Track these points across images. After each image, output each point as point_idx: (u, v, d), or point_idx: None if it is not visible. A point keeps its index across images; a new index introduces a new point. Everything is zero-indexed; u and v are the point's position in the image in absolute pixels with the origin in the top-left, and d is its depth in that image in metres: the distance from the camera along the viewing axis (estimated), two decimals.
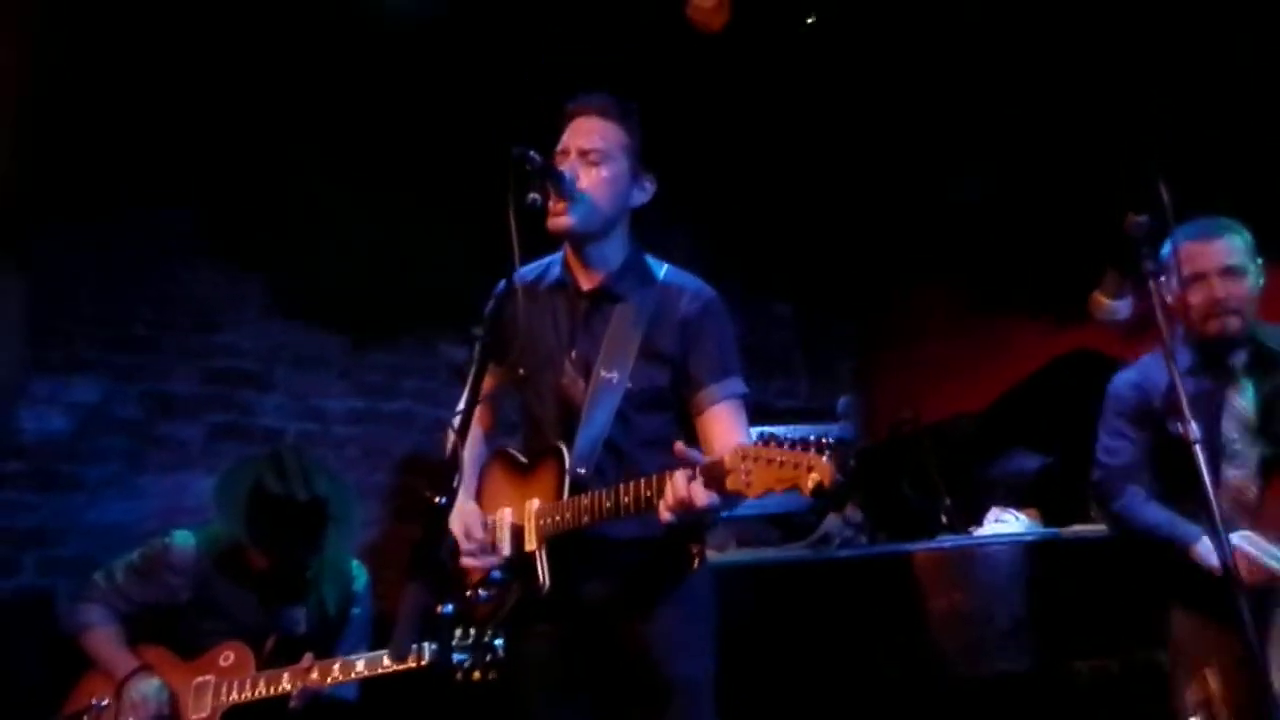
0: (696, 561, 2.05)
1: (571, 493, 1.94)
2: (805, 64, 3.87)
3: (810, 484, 1.56)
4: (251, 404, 3.95)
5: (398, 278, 4.11)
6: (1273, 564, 2.23)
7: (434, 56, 3.76)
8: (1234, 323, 2.38)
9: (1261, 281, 2.48)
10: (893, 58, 3.80)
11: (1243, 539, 2.27)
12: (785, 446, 1.60)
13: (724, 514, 1.85)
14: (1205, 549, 2.31)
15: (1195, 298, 2.37)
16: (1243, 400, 2.41)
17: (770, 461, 1.61)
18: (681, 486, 1.71)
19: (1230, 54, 3.38)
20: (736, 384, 2.05)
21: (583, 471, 1.96)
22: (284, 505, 2.68)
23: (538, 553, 1.95)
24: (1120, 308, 2.22)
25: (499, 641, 2.29)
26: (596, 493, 1.88)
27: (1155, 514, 2.46)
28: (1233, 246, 2.43)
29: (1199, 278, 2.38)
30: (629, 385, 2.02)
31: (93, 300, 3.70)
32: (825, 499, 1.60)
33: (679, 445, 1.77)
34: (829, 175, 4.57)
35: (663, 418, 2.05)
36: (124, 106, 3.63)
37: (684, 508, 1.71)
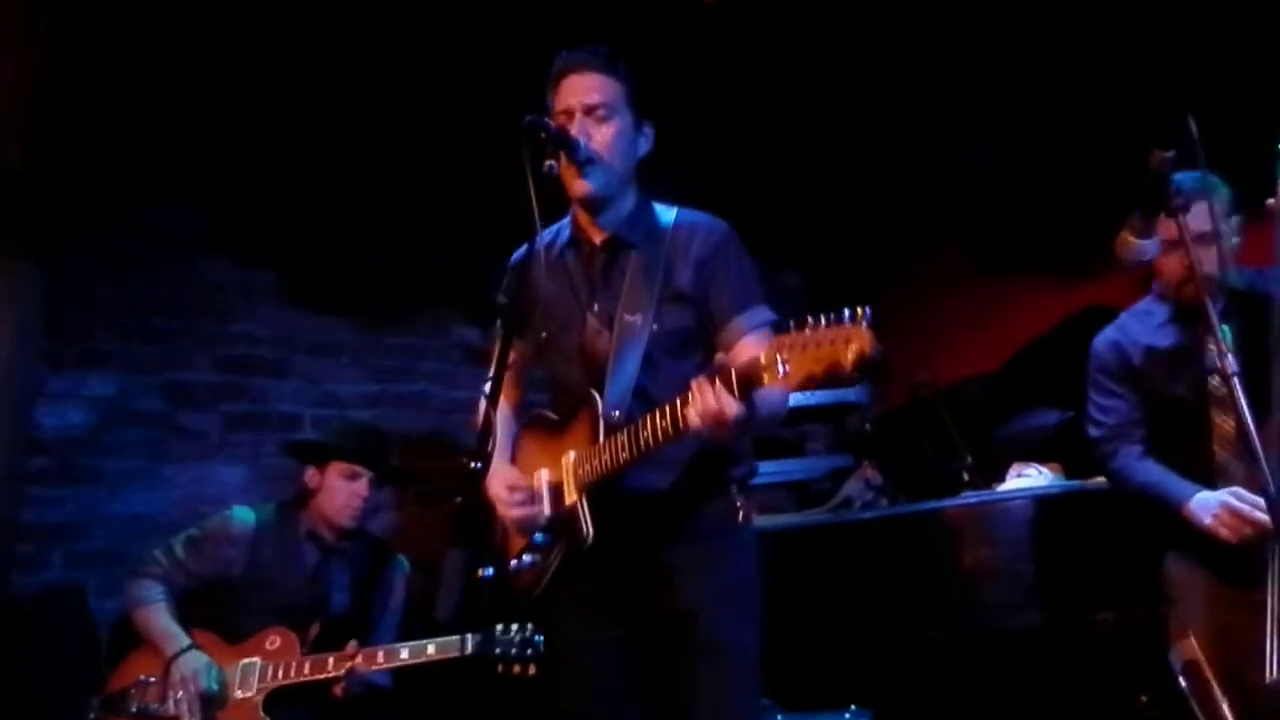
0: (741, 515, 2.01)
1: (607, 436, 1.88)
2: (809, 26, 3.84)
3: (851, 355, 1.48)
4: (267, 391, 3.97)
5: (409, 261, 4.12)
6: (1259, 515, 2.17)
7: (432, 36, 3.75)
8: (1209, 288, 2.31)
9: (1236, 240, 2.44)
10: (897, 17, 3.76)
11: (1229, 494, 2.26)
12: (818, 328, 1.52)
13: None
14: (1197, 506, 2.30)
15: (1171, 263, 2.36)
16: (1222, 346, 2.39)
17: (805, 346, 1.52)
18: (709, 391, 1.65)
19: None
20: (763, 312, 2.00)
21: (617, 414, 1.90)
22: (366, 427, 3.08)
23: (579, 503, 1.90)
24: (1148, 247, 2.20)
25: (539, 638, 2.29)
26: (631, 426, 1.83)
27: (1147, 473, 2.46)
28: (1208, 212, 2.32)
29: (1174, 245, 2.31)
30: (654, 327, 1.98)
31: (108, 294, 3.72)
32: (868, 369, 1.46)
33: (718, 355, 1.70)
34: (833, 141, 4.54)
35: (691, 361, 2.00)
36: (137, 106, 3.65)
37: (713, 416, 1.64)
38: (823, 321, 1.52)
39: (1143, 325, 2.53)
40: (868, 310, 1.50)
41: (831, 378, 1.51)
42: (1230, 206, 2.45)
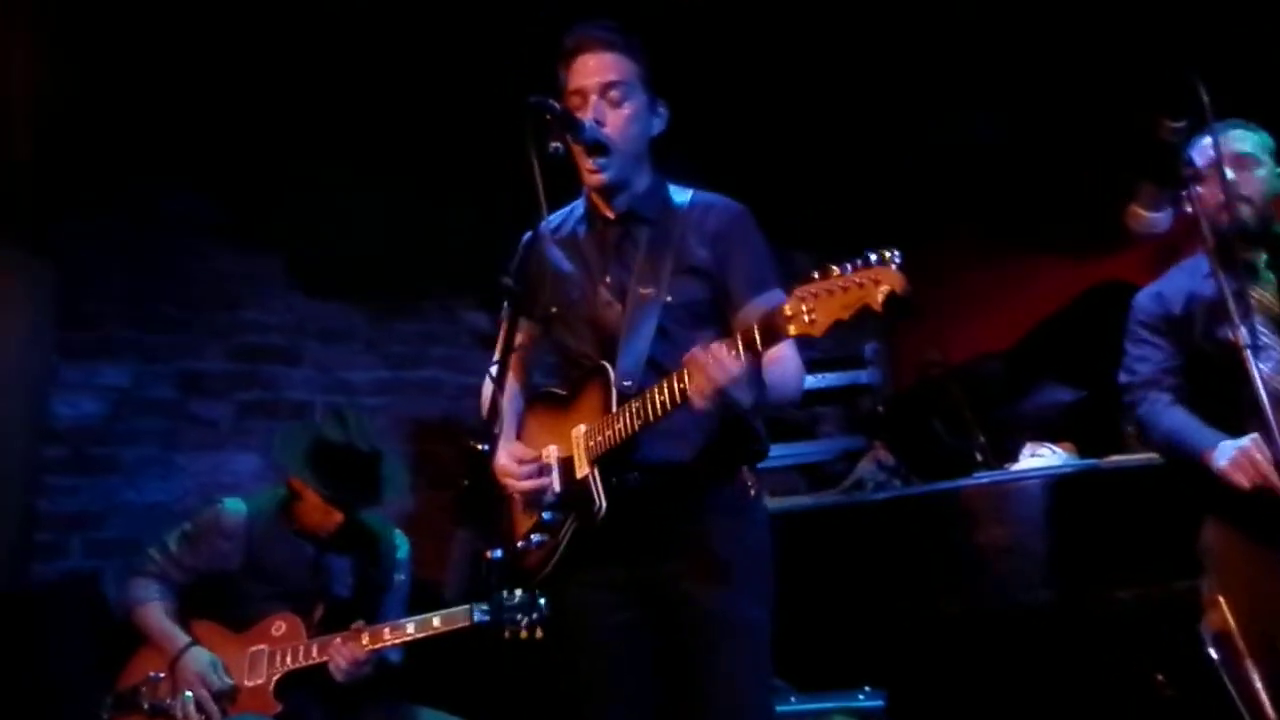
0: (752, 490, 1.98)
1: (619, 406, 1.84)
2: (820, 4, 3.80)
3: (882, 296, 1.46)
4: (279, 379, 3.98)
5: (418, 247, 4.11)
6: (1274, 478, 2.13)
7: (441, 17, 3.73)
8: (1245, 210, 2.30)
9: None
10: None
11: (1250, 439, 2.21)
12: (843, 274, 1.49)
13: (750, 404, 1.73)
14: (1219, 454, 2.25)
15: (1209, 189, 2.31)
16: (1268, 294, 2.37)
17: (832, 292, 1.50)
18: (717, 349, 1.64)
19: None
20: (778, 295, 1.91)
21: (629, 384, 1.86)
22: (347, 453, 2.74)
23: (591, 475, 1.85)
24: (1159, 220, 2.17)
25: (543, 600, 2.28)
26: (645, 393, 1.78)
27: (1173, 420, 2.41)
28: (1243, 136, 2.37)
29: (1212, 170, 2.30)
30: (668, 299, 1.94)
31: (119, 285, 3.73)
32: (900, 311, 1.44)
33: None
34: (845, 120, 4.50)
35: (706, 333, 1.93)
36: (142, 96, 3.64)
37: (718, 371, 1.63)
38: (848, 268, 1.50)
39: (1189, 276, 2.49)
40: (896, 253, 1.47)
41: (860, 320, 1.49)
42: (1269, 148, 2.41)
